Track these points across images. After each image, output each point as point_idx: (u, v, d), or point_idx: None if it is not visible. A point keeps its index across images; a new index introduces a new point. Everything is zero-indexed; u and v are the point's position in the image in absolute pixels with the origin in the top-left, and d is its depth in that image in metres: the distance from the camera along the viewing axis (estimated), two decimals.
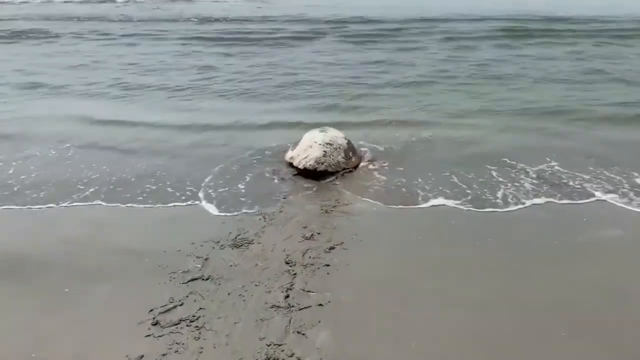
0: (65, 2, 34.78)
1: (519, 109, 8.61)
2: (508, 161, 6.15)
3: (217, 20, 23.57)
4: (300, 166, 6.07)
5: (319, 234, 4.41)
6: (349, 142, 6.43)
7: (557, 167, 5.92)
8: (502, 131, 7.48)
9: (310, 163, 6.06)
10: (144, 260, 4.06)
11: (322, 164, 6.02)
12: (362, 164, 6.41)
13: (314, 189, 5.54)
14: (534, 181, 5.53)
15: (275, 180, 5.81)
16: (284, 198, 5.24)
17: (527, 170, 5.85)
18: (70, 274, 3.92)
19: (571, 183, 5.46)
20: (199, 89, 10.40)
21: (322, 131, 6.44)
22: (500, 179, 5.64)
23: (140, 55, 14.66)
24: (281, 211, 4.91)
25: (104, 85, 10.71)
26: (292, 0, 32.78)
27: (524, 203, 5.04)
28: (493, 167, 5.99)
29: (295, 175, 6.00)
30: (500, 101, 9.15)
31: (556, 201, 5.09)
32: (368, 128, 7.63)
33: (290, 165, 6.23)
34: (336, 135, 6.39)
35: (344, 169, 6.15)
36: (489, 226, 4.65)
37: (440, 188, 5.45)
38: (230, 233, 4.47)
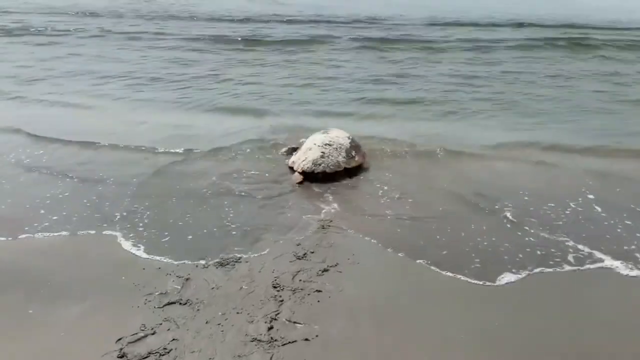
0: None
1: None
2: None
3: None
4: (299, 169, 5.74)
5: (312, 252, 3.96)
6: (352, 141, 6.04)
7: None
8: None
9: (307, 165, 5.71)
10: (120, 278, 3.67)
11: (320, 165, 5.70)
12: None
13: (313, 199, 5.15)
14: None
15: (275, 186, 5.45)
16: (281, 209, 4.84)
17: None
18: (37, 291, 3.49)
19: None
20: None
21: (323, 132, 6.09)
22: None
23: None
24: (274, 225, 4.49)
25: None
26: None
27: None
28: None
29: (299, 183, 5.58)
30: None
31: None
32: None
33: (292, 169, 5.89)
34: (338, 135, 6.02)
35: (345, 168, 5.80)
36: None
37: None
38: (216, 248, 4.05)
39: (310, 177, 5.67)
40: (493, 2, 31.51)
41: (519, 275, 3.77)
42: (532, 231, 4.40)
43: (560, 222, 4.55)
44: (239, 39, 16.51)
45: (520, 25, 22.49)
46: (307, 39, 16.74)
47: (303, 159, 5.81)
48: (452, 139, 6.91)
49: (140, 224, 4.41)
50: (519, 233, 4.39)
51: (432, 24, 22.13)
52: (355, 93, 9.67)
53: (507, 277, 3.74)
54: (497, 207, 4.85)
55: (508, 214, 4.71)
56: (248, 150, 6.41)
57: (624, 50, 15.99)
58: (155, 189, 5.13)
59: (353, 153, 5.93)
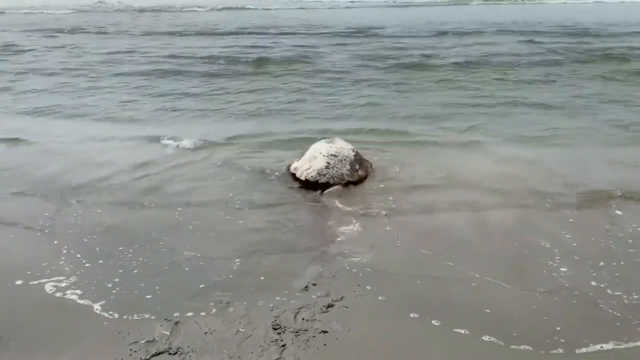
0: None
1: None
2: None
3: None
4: (302, 177, 5.41)
5: (314, 285, 3.50)
6: (356, 154, 5.63)
7: None
8: None
9: (312, 175, 5.35)
10: (102, 323, 3.25)
11: (325, 175, 5.34)
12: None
13: (313, 215, 4.71)
14: None
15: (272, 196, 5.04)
16: (276, 226, 4.40)
17: None
18: (7, 345, 3.02)
19: None
20: None
21: (328, 142, 5.67)
22: None
23: None
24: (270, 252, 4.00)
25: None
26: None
27: None
28: None
29: (299, 187, 5.30)
30: None
31: None
32: None
33: (294, 176, 5.49)
34: (343, 147, 5.61)
35: (349, 181, 5.39)
36: None
37: None
38: (208, 282, 3.58)
39: (312, 186, 5.30)
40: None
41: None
42: None
43: None
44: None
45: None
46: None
47: (307, 167, 5.44)
48: None
49: None
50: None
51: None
52: None
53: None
54: None
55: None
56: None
57: None
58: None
59: (357, 167, 5.53)
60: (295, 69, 12.83)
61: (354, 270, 3.69)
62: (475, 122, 7.68)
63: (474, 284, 3.52)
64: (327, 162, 5.38)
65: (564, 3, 41.46)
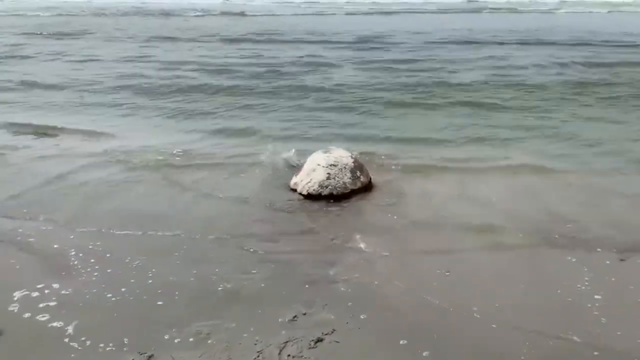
0: None
1: None
2: None
3: None
4: (304, 192, 5.09)
5: (304, 314, 3.16)
6: (355, 161, 5.32)
7: None
8: None
9: (313, 188, 5.05)
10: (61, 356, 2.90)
11: (327, 187, 5.04)
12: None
13: (311, 234, 4.37)
14: None
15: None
16: (270, 247, 4.07)
17: None
18: None
19: None
20: None
21: (325, 152, 5.36)
22: None
23: None
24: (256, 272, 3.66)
25: None
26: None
27: None
28: None
29: (300, 199, 5.02)
30: None
31: None
32: None
33: (294, 191, 5.18)
34: (341, 155, 5.30)
35: (352, 190, 5.10)
36: None
37: None
38: (188, 310, 3.23)
39: (314, 198, 5.00)
40: None
41: None
42: None
43: None
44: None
45: None
46: None
47: (307, 181, 5.13)
48: None
49: None
50: None
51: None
52: None
53: None
54: None
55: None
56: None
57: None
58: None
59: (358, 173, 5.22)
60: None
61: (349, 297, 3.35)
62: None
63: (478, 316, 3.16)
64: (328, 173, 5.07)
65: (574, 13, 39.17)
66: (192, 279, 3.60)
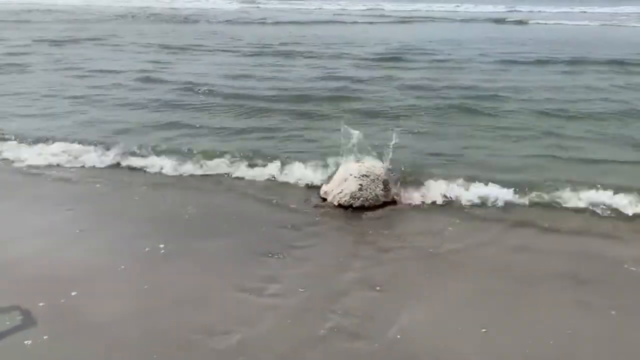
0: None
1: None
2: None
3: None
4: (335, 202, 5.00)
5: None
6: (388, 172, 5.23)
7: None
8: None
9: (345, 199, 4.97)
10: None
11: (358, 199, 4.95)
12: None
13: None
14: None
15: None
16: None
17: None
18: None
19: None
20: None
21: (358, 161, 5.27)
22: None
23: None
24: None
25: None
26: None
27: None
28: None
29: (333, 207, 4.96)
30: None
31: None
32: None
33: (324, 200, 5.17)
34: (374, 165, 5.18)
35: (384, 202, 5.04)
36: None
37: None
38: None
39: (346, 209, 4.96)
40: None
41: None
42: None
43: None
44: None
45: None
46: None
47: (339, 191, 5.08)
48: None
49: None
50: None
51: None
52: None
53: None
54: None
55: None
56: None
57: None
58: None
59: (390, 185, 5.11)
60: None
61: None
62: None
63: None
64: (360, 184, 4.96)
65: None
66: None
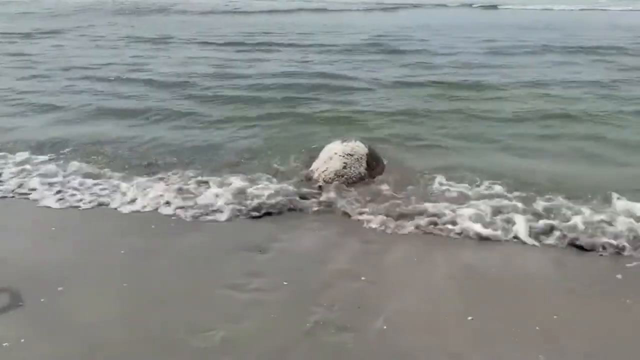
0: None
1: None
2: None
3: None
4: (320, 180, 4.98)
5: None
6: (371, 151, 5.20)
7: None
8: None
9: (330, 176, 4.96)
10: None
11: (342, 176, 4.94)
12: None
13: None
14: None
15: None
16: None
17: None
18: None
19: None
20: None
21: (343, 141, 5.22)
22: None
23: None
24: None
25: None
26: None
27: None
28: None
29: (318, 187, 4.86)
30: None
31: None
32: None
33: (310, 179, 5.10)
34: (358, 145, 5.16)
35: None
36: None
37: None
38: None
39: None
40: None
41: None
42: None
43: None
44: None
45: None
46: None
47: (324, 169, 5.06)
48: None
49: None
50: None
51: None
52: None
53: None
54: None
55: None
56: None
57: None
58: None
59: (374, 164, 5.13)
60: None
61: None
62: None
63: None
64: (344, 163, 4.98)
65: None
66: None
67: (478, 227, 4.11)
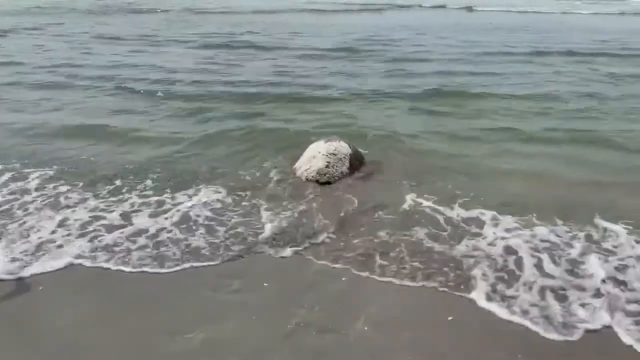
0: None
1: None
2: None
3: None
4: (303, 178, 5.02)
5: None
6: (354, 151, 5.22)
7: None
8: None
9: (312, 175, 4.99)
10: None
11: (325, 175, 4.96)
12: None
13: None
14: None
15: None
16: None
17: None
18: None
19: None
20: None
21: (326, 141, 5.22)
22: None
23: None
24: None
25: None
26: None
27: None
28: None
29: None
30: None
31: None
32: None
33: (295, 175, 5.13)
34: (341, 145, 5.16)
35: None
36: None
37: None
38: None
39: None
40: None
41: None
42: None
43: None
44: None
45: None
46: None
47: (307, 167, 5.06)
48: None
49: None
50: None
51: None
52: None
53: None
54: None
55: None
56: None
57: None
58: None
59: (357, 163, 5.16)
60: None
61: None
62: None
63: None
64: (327, 162, 4.96)
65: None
66: None
67: None
